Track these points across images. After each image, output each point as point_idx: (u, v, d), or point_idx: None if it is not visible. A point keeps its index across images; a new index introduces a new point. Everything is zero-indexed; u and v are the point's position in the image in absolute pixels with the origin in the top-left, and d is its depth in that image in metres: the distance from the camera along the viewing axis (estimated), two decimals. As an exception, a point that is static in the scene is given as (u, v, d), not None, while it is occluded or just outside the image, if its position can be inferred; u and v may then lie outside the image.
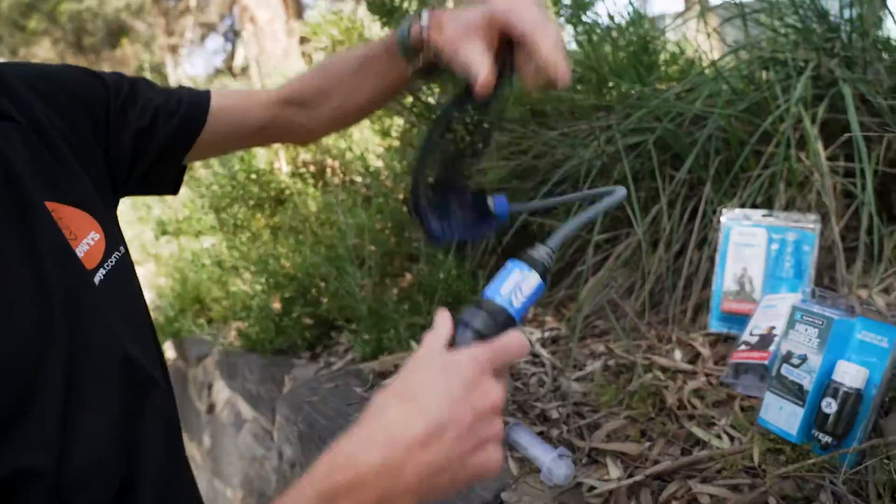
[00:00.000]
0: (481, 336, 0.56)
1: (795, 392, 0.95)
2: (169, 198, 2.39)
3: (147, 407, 0.65)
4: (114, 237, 0.68)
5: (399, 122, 1.86)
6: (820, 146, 1.42)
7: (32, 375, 0.53)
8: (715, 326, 1.33)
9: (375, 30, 1.84)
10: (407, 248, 1.78)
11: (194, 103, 0.83)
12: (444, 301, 1.64)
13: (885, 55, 1.57)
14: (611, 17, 1.78)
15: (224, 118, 0.85)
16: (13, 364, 0.52)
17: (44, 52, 24.31)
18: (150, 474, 0.63)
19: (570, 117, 1.68)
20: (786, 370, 0.97)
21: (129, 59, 23.59)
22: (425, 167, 0.78)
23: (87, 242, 0.64)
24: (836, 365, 0.91)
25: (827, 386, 0.91)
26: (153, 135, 0.78)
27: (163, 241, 2.13)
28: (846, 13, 1.59)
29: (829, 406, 0.90)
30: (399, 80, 0.82)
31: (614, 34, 1.69)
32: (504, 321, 0.57)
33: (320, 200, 1.80)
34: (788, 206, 1.43)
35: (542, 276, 0.59)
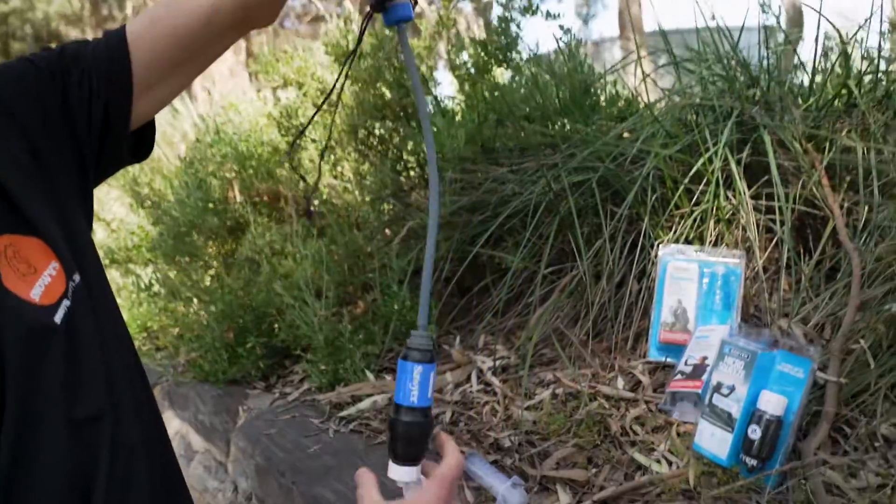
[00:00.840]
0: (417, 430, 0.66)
1: (725, 419, 1.04)
2: (115, 223, 2.34)
3: (103, 448, 0.64)
4: (69, 265, 0.65)
5: (353, 155, 1.91)
6: (745, 185, 1.55)
7: None
8: (654, 355, 1.43)
9: (329, 77, 1.89)
10: (361, 277, 1.82)
11: (110, 47, 0.71)
12: (398, 330, 1.69)
13: (799, 101, 1.73)
14: (556, 54, 1.88)
15: (151, 35, 0.72)
16: None
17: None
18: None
19: (519, 154, 1.76)
20: (716, 399, 1.07)
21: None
22: None
23: (49, 274, 0.62)
24: (760, 394, 1.02)
25: (752, 414, 1.01)
26: (93, 100, 0.70)
27: (110, 272, 2.08)
28: (764, 63, 1.76)
29: (755, 432, 1.00)
30: None
31: (556, 70, 1.80)
32: (427, 415, 0.66)
33: (275, 231, 1.83)
34: (718, 241, 1.56)
35: (431, 360, 0.66)
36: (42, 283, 0.61)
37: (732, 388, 1.05)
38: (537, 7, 2.01)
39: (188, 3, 0.71)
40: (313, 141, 2.11)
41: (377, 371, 1.63)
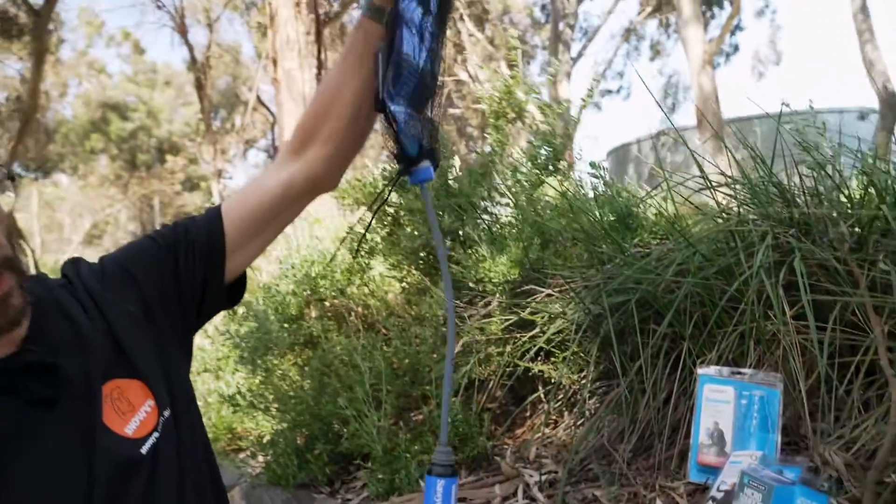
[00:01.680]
0: None
1: (747, 551, 1.07)
2: (211, 329, 2.64)
3: None
4: (163, 402, 0.81)
5: (415, 272, 2.11)
6: (786, 306, 1.59)
7: None
8: (694, 476, 1.45)
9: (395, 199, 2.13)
10: (420, 389, 1.96)
11: (209, 220, 0.91)
12: (451, 443, 1.80)
13: (841, 220, 1.77)
14: (596, 180, 2.04)
15: (240, 209, 0.91)
16: None
17: (101, 169, 26.15)
18: None
19: (566, 273, 1.89)
20: (739, 530, 1.10)
21: (178, 172, 25.27)
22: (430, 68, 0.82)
23: (144, 410, 0.78)
24: (778, 528, 1.05)
25: (772, 547, 1.04)
26: (196, 266, 0.89)
27: (204, 376, 2.34)
28: (806, 182, 1.82)
29: (773, 567, 1.02)
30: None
31: (599, 196, 1.94)
32: None
33: (344, 344, 2.02)
34: (760, 362, 1.59)
35: (453, 473, 0.75)
36: (137, 418, 0.78)
37: (753, 520, 1.08)
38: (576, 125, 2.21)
39: (267, 182, 0.92)
40: (384, 257, 2.33)
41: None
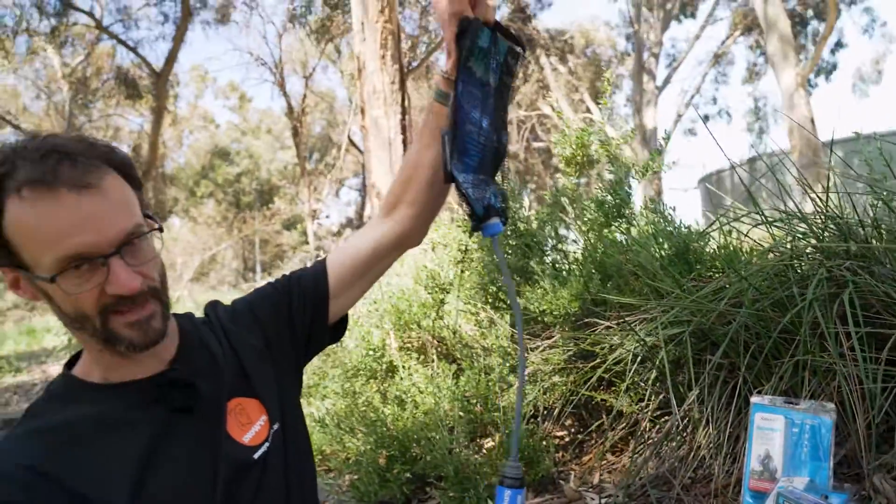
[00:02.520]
0: None
1: (782, 567, 1.14)
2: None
3: None
4: (274, 417, 1.00)
5: (484, 307, 2.28)
6: (842, 337, 1.63)
7: None
8: (746, 502, 1.51)
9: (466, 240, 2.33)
10: (490, 415, 2.11)
11: (316, 271, 1.10)
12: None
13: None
14: (660, 217, 2.14)
15: (341, 262, 1.09)
16: None
17: (208, 210, 28.27)
18: None
19: (624, 308, 2.00)
20: (775, 548, 1.17)
21: (278, 212, 26.97)
22: (494, 131, 0.96)
23: (259, 424, 0.98)
24: (810, 547, 1.11)
25: (804, 564, 1.11)
26: (306, 310, 1.09)
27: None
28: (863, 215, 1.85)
29: (805, 581, 1.09)
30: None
31: (659, 231, 2.04)
32: None
33: (421, 372, 2.21)
34: (815, 394, 1.63)
35: (521, 485, 0.88)
36: (253, 430, 0.97)
37: (787, 539, 1.16)
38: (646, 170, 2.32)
39: (363, 239, 1.11)
40: (457, 293, 2.52)
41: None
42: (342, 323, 1.17)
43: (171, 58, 12.75)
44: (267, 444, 0.97)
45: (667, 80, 19.48)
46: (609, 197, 2.34)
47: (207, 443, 0.91)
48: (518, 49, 0.98)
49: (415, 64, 14.22)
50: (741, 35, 18.92)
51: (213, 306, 1.09)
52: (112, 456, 0.82)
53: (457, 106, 0.93)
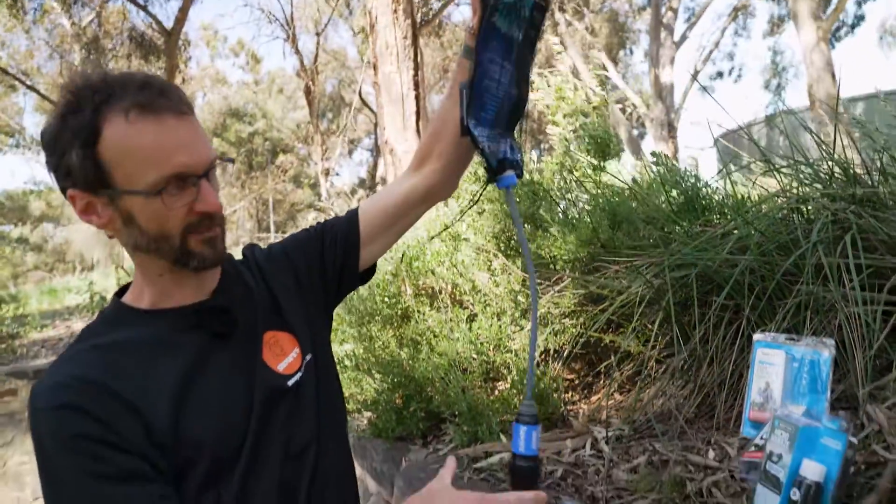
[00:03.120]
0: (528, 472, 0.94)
1: (775, 483, 1.23)
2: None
3: (302, 470, 1.03)
4: (307, 349, 1.07)
5: (501, 258, 2.35)
6: (845, 277, 1.68)
7: (237, 449, 0.94)
8: (747, 432, 1.59)
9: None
10: (501, 357, 2.19)
11: (349, 218, 1.16)
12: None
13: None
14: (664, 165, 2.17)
15: (373, 211, 1.15)
16: (227, 438, 0.93)
17: (219, 171, 28.41)
18: None
19: (634, 250, 2.06)
20: (769, 466, 1.25)
21: (289, 171, 27.04)
22: (512, 86, 0.97)
23: (292, 356, 1.05)
24: (802, 463, 1.19)
25: (795, 479, 1.19)
26: (338, 255, 1.16)
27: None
28: (875, 161, 1.87)
29: (795, 495, 1.17)
30: None
31: (667, 180, 2.08)
32: (535, 463, 0.93)
33: (435, 317, 2.29)
34: (819, 331, 1.69)
35: (536, 422, 0.94)
36: (287, 361, 1.04)
37: (780, 457, 1.23)
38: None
39: (394, 190, 1.17)
40: (465, 240, 2.59)
41: (509, 435, 1.96)
42: (371, 269, 1.23)
43: (182, 16, 12.64)
44: (300, 374, 1.04)
45: (685, 36, 19.01)
46: (596, 137, 2.38)
47: (244, 368, 0.98)
48: (543, 2, 0.98)
49: (427, 18, 13.99)
50: (763, -13, 18.34)
51: (250, 248, 1.16)
52: (158, 373, 0.90)
53: (477, 60, 0.95)
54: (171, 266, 0.92)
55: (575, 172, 2.34)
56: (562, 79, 2.51)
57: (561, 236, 1.96)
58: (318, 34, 18.89)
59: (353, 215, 1.17)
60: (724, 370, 1.81)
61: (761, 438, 1.43)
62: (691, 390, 1.87)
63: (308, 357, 1.06)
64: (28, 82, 15.49)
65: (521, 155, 1.05)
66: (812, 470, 1.17)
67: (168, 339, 0.94)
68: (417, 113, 5.87)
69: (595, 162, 2.23)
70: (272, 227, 27.14)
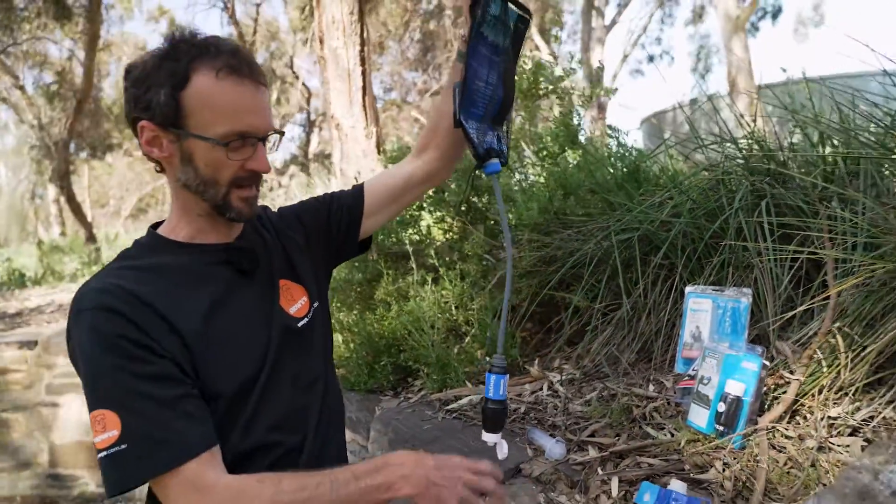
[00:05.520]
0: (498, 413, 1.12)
1: (705, 401, 1.50)
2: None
3: (312, 400, 1.23)
4: (314, 298, 1.23)
5: (459, 221, 2.55)
6: (760, 238, 1.98)
7: (253, 379, 1.08)
8: (680, 368, 1.88)
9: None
10: (464, 314, 2.41)
11: (355, 190, 1.31)
12: (490, 353, 2.25)
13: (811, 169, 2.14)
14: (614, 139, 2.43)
15: (377, 187, 1.31)
16: (246, 372, 1.08)
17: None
18: (313, 439, 1.21)
19: (584, 217, 2.31)
20: (701, 387, 1.53)
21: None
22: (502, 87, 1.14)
23: (301, 302, 1.21)
24: (726, 382, 1.47)
25: (721, 395, 1.47)
26: (342, 222, 1.32)
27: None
28: (784, 141, 2.19)
29: (721, 407, 1.45)
30: None
31: (612, 154, 2.34)
32: (503, 406, 1.11)
33: (401, 281, 2.48)
34: (739, 283, 1.99)
35: (505, 372, 1.12)
36: (297, 306, 1.19)
37: (710, 379, 1.51)
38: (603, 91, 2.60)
39: (397, 171, 1.33)
40: (430, 212, 2.78)
41: (474, 382, 2.19)
42: (368, 240, 1.40)
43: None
44: (307, 318, 1.19)
45: (615, 20, 19.62)
46: (561, 129, 2.61)
47: (263, 306, 1.13)
48: (526, 16, 1.16)
49: None
50: (687, -24, 19.14)
51: (263, 208, 1.31)
52: (190, 296, 1.02)
53: (467, 64, 1.12)
54: (210, 210, 1.05)
55: (534, 148, 2.57)
56: (537, 63, 2.71)
57: (523, 203, 2.18)
58: (257, 5, 18.30)
59: (358, 190, 1.33)
60: (660, 320, 2.10)
61: (693, 370, 1.71)
62: (633, 338, 2.15)
63: (315, 304, 1.22)
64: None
65: (507, 147, 1.22)
66: (734, 387, 1.46)
67: (200, 269, 1.07)
68: (364, 88, 5.96)
69: (562, 147, 2.45)
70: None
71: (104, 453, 0.87)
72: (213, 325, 1.02)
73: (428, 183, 1.36)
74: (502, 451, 1.21)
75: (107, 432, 0.88)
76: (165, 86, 0.95)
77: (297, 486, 0.91)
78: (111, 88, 24.45)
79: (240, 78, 0.96)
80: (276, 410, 1.08)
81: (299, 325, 1.17)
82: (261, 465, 1.03)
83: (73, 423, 5.18)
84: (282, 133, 1.08)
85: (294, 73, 22.05)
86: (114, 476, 0.88)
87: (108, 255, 11.21)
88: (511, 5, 1.13)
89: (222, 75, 0.95)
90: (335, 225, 1.31)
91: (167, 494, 0.89)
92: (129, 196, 27.09)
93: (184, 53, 0.96)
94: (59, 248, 12.43)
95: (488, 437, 1.14)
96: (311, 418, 1.14)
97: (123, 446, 0.87)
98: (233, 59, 0.96)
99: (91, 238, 12.95)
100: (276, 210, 1.32)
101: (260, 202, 1.18)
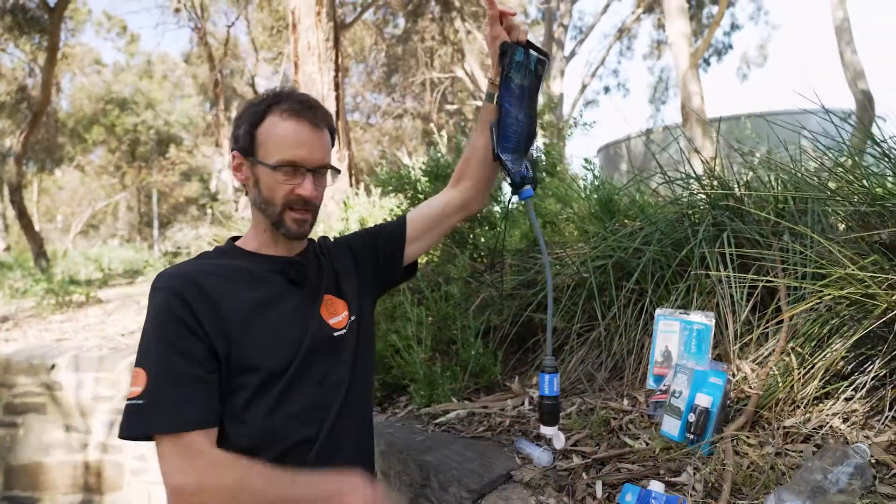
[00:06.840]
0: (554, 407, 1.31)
1: (677, 413, 1.68)
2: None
3: (334, 399, 1.36)
4: (353, 312, 1.38)
5: (440, 246, 2.70)
6: (721, 267, 2.19)
7: (283, 370, 1.23)
8: (651, 385, 2.06)
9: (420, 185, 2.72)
10: (448, 333, 2.55)
11: (399, 221, 1.52)
12: (474, 370, 2.40)
13: (764, 206, 2.37)
14: (587, 179, 2.63)
15: (418, 216, 1.51)
16: (275, 363, 1.22)
17: (98, 160, 26.44)
18: (326, 435, 1.33)
19: (562, 245, 2.49)
20: (673, 400, 1.71)
21: (176, 163, 25.73)
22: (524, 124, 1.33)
23: (341, 315, 1.35)
24: (696, 395, 1.65)
25: (691, 407, 1.64)
26: (387, 249, 1.50)
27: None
28: (740, 179, 2.43)
29: (692, 417, 1.63)
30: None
31: (586, 192, 2.54)
32: (557, 401, 1.30)
33: (388, 302, 2.60)
34: (703, 307, 2.19)
35: (555, 371, 1.31)
36: (337, 318, 1.35)
37: (681, 393, 1.69)
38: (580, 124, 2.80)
39: (435, 202, 1.53)
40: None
41: (460, 398, 2.33)
42: (413, 266, 1.57)
43: (67, -8, 11.86)
44: (344, 330, 1.34)
45: (574, 52, 20.32)
46: (543, 156, 2.81)
47: (304, 313, 1.29)
48: (544, 59, 1.35)
49: (349, 19, 14.03)
50: (644, 13, 20.02)
51: (324, 238, 1.50)
52: (245, 291, 1.21)
53: (500, 105, 1.32)
54: (270, 226, 1.25)
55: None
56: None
57: (506, 230, 2.35)
58: (228, 27, 18.28)
59: (402, 219, 1.52)
60: (632, 341, 2.28)
61: (664, 385, 1.89)
62: (606, 356, 2.32)
63: (353, 318, 1.37)
64: None
65: (535, 174, 1.42)
66: (703, 400, 1.63)
67: (259, 274, 1.26)
68: (337, 113, 6.09)
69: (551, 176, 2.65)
70: (156, 221, 25.72)
71: (129, 402, 1.06)
72: (257, 317, 1.20)
73: (464, 210, 1.54)
74: (559, 441, 1.38)
75: (136, 386, 1.06)
76: (247, 123, 1.18)
77: (266, 470, 1.09)
78: (65, 101, 23.82)
79: (299, 119, 1.16)
80: (300, 402, 1.23)
81: (335, 334, 1.32)
82: (273, 453, 1.18)
83: (33, 445, 5.06)
84: (337, 171, 1.24)
85: (255, 91, 21.95)
86: (126, 423, 1.06)
87: (59, 270, 10.95)
88: (532, 51, 1.31)
89: (286, 116, 1.16)
90: (381, 251, 1.49)
91: (162, 453, 1.06)
92: (82, 211, 26.32)
93: (266, 100, 1.18)
94: (4, 263, 12.06)
95: (546, 430, 1.31)
96: (328, 416, 1.27)
97: (141, 402, 1.05)
98: (297, 104, 1.17)
99: (42, 254, 12.56)
100: (332, 239, 1.51)
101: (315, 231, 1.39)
